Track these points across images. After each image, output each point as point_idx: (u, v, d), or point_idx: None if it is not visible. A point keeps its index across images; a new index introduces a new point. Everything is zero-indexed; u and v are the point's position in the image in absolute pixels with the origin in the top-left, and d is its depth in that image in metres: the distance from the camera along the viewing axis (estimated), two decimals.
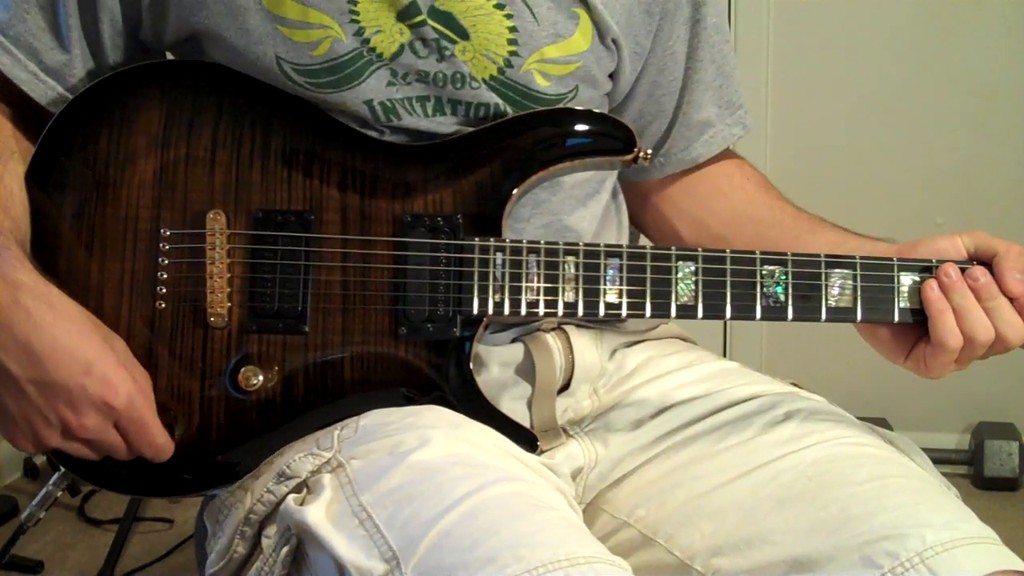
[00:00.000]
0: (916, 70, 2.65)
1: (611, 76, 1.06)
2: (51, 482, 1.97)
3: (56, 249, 0.95)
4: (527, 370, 1.02)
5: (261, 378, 0.93)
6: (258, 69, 0.97)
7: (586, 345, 1.05)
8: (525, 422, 1.01)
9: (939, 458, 2.66)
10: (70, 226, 0.95)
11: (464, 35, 0.97)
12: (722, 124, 1.13)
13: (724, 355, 2.72)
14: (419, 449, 0.86)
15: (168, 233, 0.95)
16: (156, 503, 2.48)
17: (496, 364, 1.02)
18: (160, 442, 0.92)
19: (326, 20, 0.95)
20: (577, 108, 1.00)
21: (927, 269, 0.95)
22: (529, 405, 1.02)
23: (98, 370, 0.88)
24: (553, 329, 1.04)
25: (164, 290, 0.95)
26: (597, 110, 1.00)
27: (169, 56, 1.06)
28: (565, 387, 1.04)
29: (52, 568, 2.25)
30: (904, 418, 2.71)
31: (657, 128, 1.12)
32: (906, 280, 0.95)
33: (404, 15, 0.96)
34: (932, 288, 0.94)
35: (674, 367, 1.08)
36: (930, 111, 2.66)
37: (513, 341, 1.03)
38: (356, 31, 0.96)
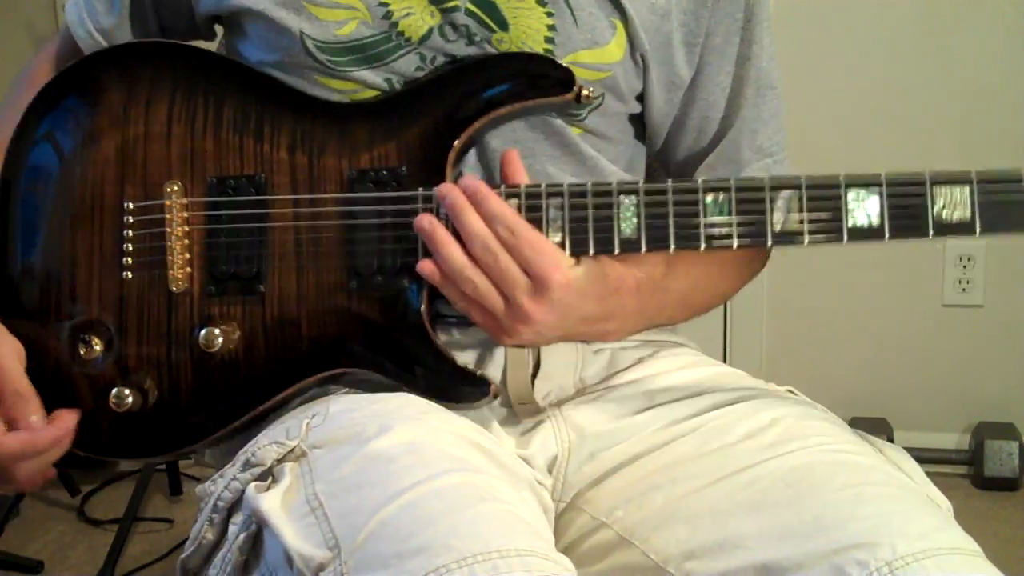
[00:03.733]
0: (916, 70, 2.65)
1: (639, 98, 1.06)
2: None
3: (33, 228, 1.01)
4: (500, 350, 1.03)
5: (221, 340, 0.97)
6: (282, 43, 1.00)
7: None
8: (500, 396, 1.01)
9: (939, 458, 2.66)
10: (45, 207, 1.01)
11: (503, 25, 0.98)
12: (750, 169, 1.13)
13: (724, 357, 2.73)
14: (377, 437, 0.87)
15: (131, 206, 1.00)
16: (156, 503, 2.49)
17: (469, 344, 1.03)
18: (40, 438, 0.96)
19: (354, 1, 0.98)
20: (513, 52, 1.00)
21: None
22: (504, 381, 1.02)
23: None
24: None
25: (130, 260, 0.99)
26: (534, 52, 0.99)
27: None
28: (538, 367, 1.04)
29: (52, 568, 2.26)
30: (904, 418, 2.71)
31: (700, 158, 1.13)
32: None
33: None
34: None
35: (665, 368, 1.07)
36: (930, 111, 2.66)
37: None
38: (384, 14, 0.98)
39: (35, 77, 1.11)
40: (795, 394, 1.06)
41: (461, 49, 0.99)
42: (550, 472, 1.01)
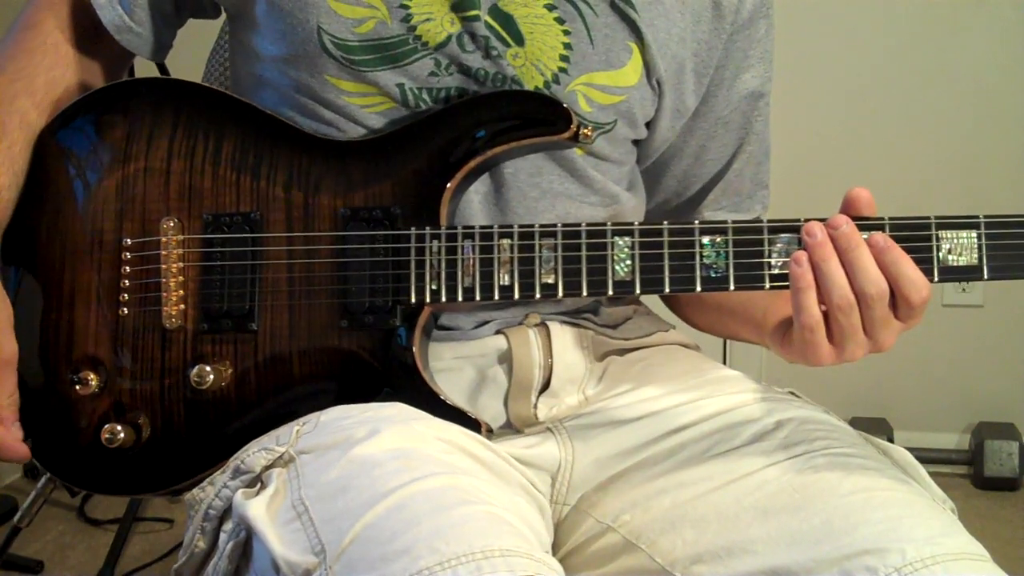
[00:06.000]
0: (916, 70, 2.65)
1: (647, 125, 1.06)
2: (40, 483, 1.97)
3: (34, 264, 1.00)
4: (507, 365, 1.02)
5: (212, 377, 0.96)
6: (297, 36, 1.00)
7: (567, 343, 1.05)
8: (501, 419, 1.01)
9: (939, 458, 2.66)
10: (48, 241, 1.00)
11: (520, 40, 0.99)
12: (751, 201, 1.15)
13: (724, 359, 2.73)
14: (364, 442, 0.86)
15: (129, 242, 0.99)
16: (156, 503, 2.49)
17: (476, 357, 1.02)
18: None
19: (375, 1, 0.98)
20: (511, 90, 0.99)
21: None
22: (506, 402, 1.02)
23: None
24: (536, 325, 1.04)
25: (126, 297, 0.99)
26: (531, 90, 0.99)
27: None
28: (546, 386, 1.04)
29: (52, 568, 2.26)
30: (904, 418, 2.71)
31: (692, 191, 1.15)
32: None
33: (458, 7, 0.98)
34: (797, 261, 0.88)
35: (667, 375, 1.07)
36: (930, 111, 2.66)
37: (496, 334, 1.03)
38: (404, 17, 0.98)
39: (33, 20, 1.08)
40: (797, 396, 1.06)
41: (477, 61, 0.98)
42: (553, 476, 1.01)
